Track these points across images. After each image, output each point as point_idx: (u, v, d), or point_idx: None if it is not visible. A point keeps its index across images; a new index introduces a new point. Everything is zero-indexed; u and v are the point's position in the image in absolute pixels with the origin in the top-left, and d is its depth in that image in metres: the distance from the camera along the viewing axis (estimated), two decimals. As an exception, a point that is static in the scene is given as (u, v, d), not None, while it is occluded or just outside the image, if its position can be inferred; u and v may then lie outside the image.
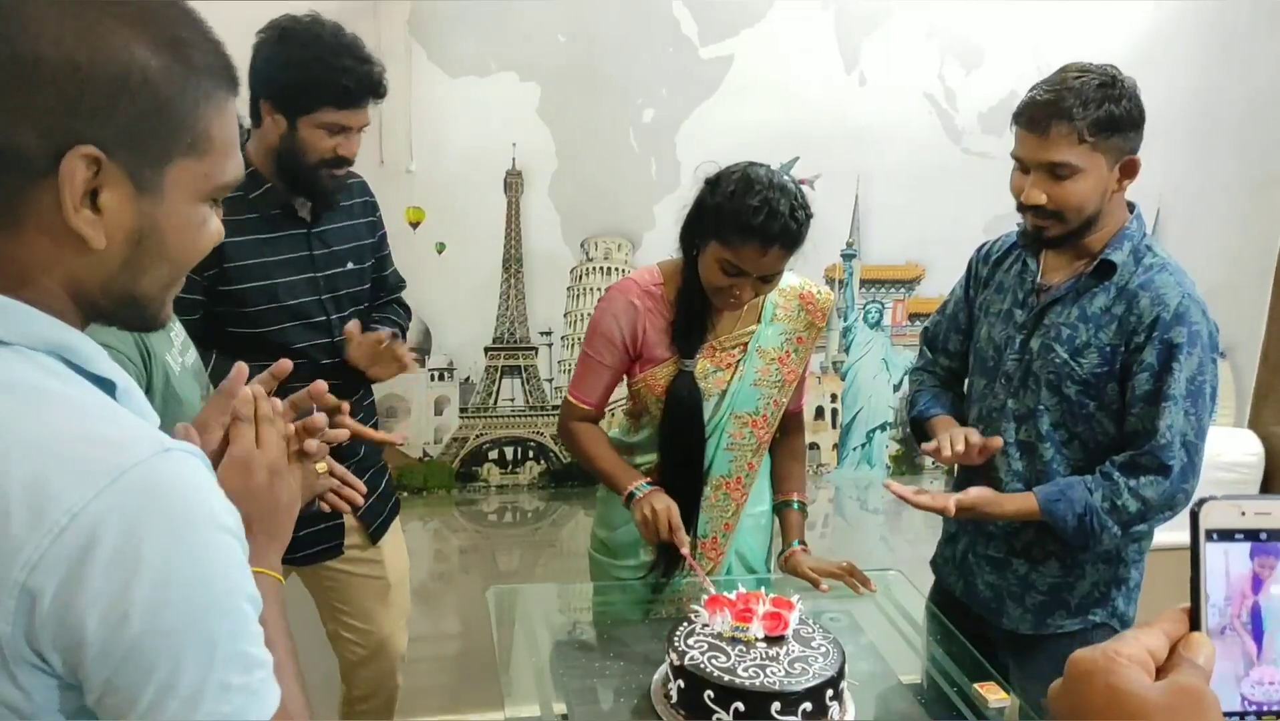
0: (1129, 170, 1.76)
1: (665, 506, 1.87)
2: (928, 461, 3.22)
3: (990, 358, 1.95)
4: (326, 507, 1.48)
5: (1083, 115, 1.69)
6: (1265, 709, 0.57)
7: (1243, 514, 0.58)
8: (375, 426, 2.31)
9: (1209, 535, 0.57)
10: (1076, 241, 1.80)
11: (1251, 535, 0.58)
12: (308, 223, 2.06)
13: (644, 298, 1.98)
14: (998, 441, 1.86)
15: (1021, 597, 1.93)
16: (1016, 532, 1.91)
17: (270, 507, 1.02)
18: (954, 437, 1.84)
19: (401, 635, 2.43)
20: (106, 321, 0.87)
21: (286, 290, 2.02)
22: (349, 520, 2.21)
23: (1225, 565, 0.57)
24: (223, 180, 0.84)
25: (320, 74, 1.88)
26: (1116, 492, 1.76)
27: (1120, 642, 0.55)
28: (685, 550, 1.86)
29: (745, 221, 1.78)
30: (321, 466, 1.42)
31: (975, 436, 1.85)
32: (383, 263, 2.27)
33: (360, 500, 1.51)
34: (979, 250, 2.08)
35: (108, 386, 0.82)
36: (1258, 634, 0.57)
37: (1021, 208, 1.79)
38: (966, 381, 2.06)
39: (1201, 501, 0.58)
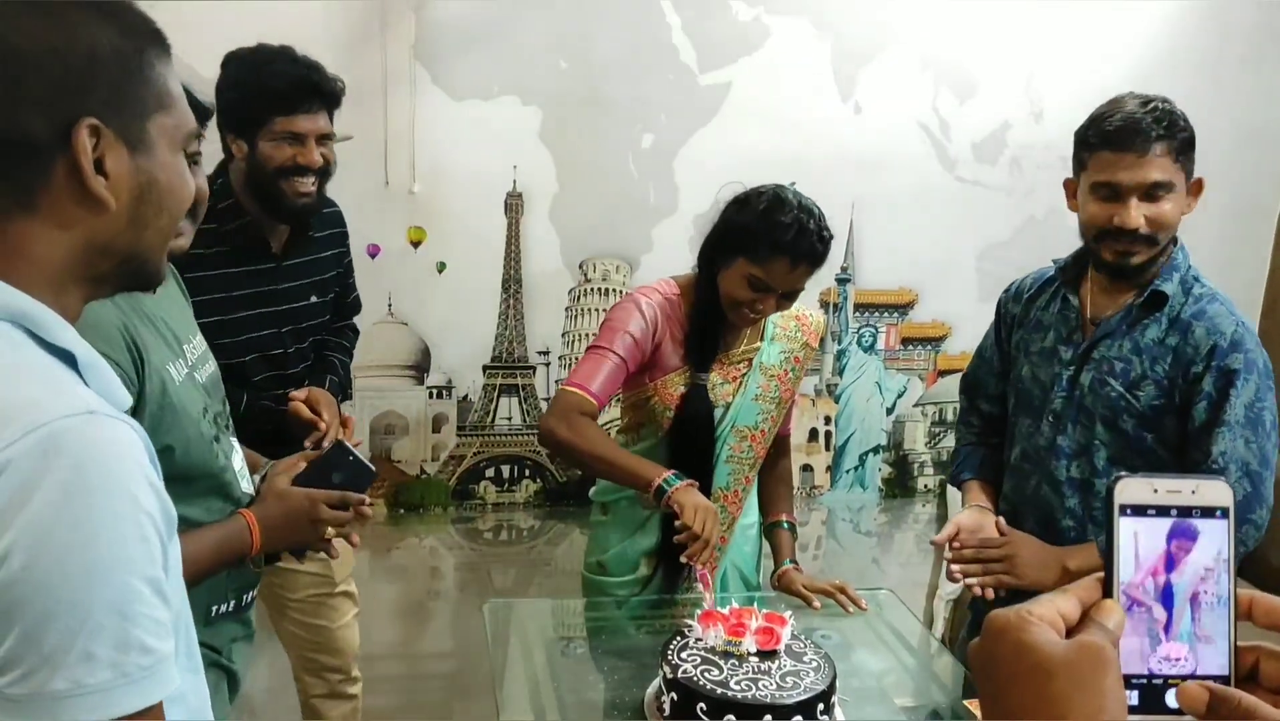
0: (1197, 190, 1.75)
1: (710, 508, 1.81)
2: (920, 485, 3.26)
3: (1036, 396, 1.91)
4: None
5: (1173, 134, 1.69)
6: (1170, 680, 0.60)
7: (1155, 491, 0.61)
8: None
9: (1122, 510, 0.60)
10: (1151, 267, 1.76)
11: (1163, 511, 0.60)
12: (277, 256, 2.07)
13: (664, 305, 2.02)
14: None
15: None
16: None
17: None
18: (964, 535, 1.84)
19: (351, 631, 2.41)
20: (109, 288, 0.92)
21: (244, 324, 2.02)
22: None
23: (1135, 541, 0.60)
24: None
25: (257, 85, 1.91)
26: None
27: (1033, 604, 0.58)
28: (703, 565, 1.83)
29: (777, 238, 1.85)
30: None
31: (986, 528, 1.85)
32: (346, 289, 2.30)
33: (339, 554, 1.57)
34: (1007, 291, 2.05)
35: (68, 359, 0.84)
36: (1168, 611, 0.60)
37: (1101, 236, 1.74)
38: (1009, 422, 2.01)
39: (1118, 478, 0.61)
